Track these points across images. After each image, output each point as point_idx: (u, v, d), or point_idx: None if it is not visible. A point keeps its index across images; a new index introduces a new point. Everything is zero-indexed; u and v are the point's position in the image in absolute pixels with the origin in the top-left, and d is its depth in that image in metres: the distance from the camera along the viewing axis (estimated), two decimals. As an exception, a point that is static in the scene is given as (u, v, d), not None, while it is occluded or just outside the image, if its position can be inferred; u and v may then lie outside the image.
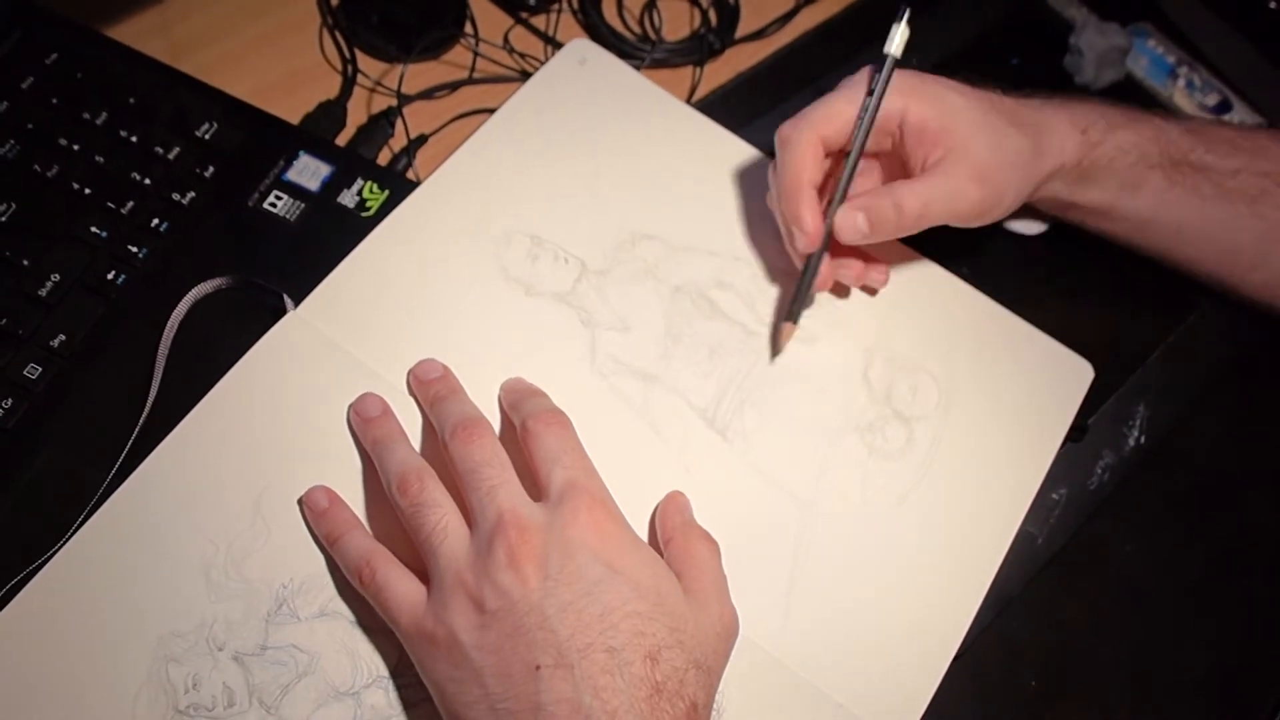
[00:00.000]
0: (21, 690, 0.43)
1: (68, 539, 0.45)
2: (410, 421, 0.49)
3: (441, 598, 0.41)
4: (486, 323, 0.52)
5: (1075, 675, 0.52)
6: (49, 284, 0.51)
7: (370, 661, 0.45)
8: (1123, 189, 0.55)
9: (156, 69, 0.58)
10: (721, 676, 0.43)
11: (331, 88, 0.61)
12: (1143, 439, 0.57)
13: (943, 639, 0.49)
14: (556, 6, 0.65)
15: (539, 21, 0.65)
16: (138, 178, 0.54)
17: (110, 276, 0.52)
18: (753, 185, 0.58)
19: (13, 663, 0.43)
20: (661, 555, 0.45)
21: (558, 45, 0.63)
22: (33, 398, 0.49)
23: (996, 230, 0.54)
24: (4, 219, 0.52)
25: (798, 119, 0.51)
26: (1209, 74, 0.67)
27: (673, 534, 0.46)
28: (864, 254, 0.55)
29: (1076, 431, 0.55)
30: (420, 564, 0.44)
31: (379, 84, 0.62)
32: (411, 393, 0.49)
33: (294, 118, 0.59)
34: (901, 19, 0.51)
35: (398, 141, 0.59)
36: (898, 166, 0.53)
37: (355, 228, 0.53)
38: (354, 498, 0.47)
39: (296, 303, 0.51)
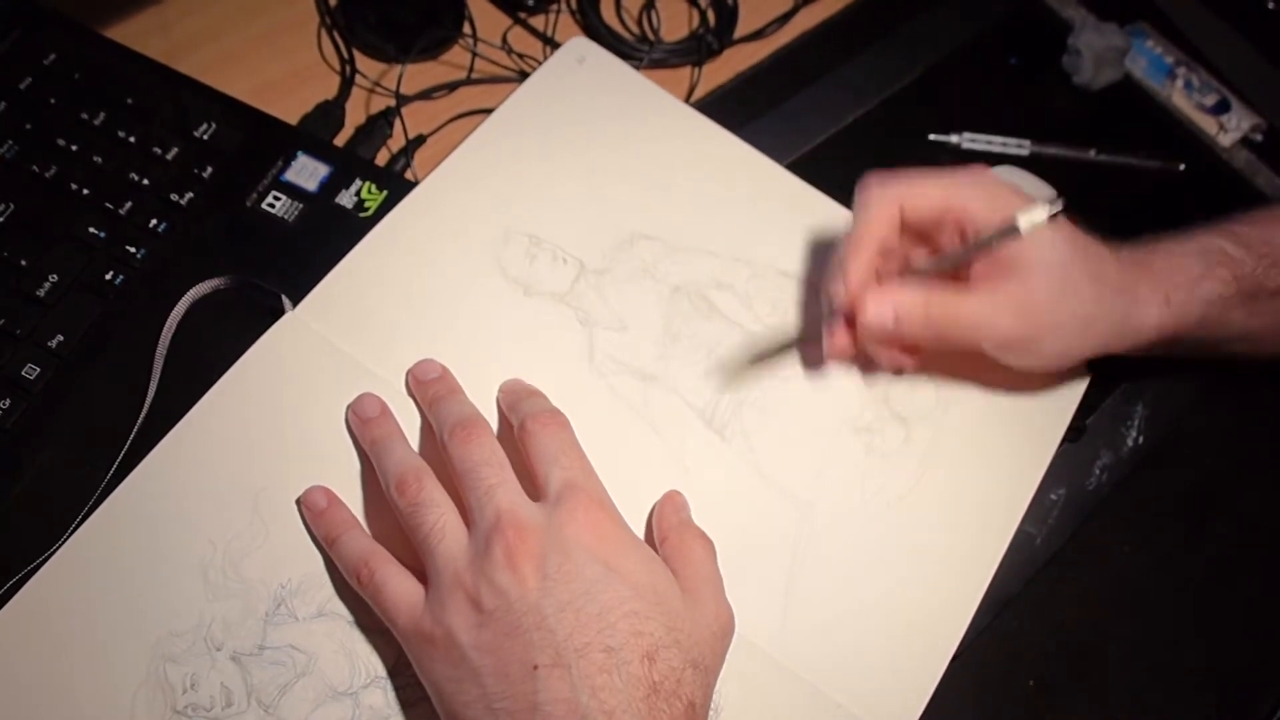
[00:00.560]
0: (20, 690, 0.43)
1: (66, 539, 0.45)
2: (408, 421, 0.49)
3: (439, 597, 0.41)
4: (485, 323, 0.52)
5: (1074, 675, 0.52)
6: (47, 284, 0.51)
7: (368, 661, 0.45)
8: (1205, 338, 0.52)
9: (155, 69, 0.58)
10: (718, 675, 0.43)
11: (330, 88, 0.61)
12: (1141, 439, 0.56)
13: (941, 638, 0.49)
14: (555, 7, 0.65)
15: (537, 22, 0.65)
16: (136, 178, 0.54)
17: (108, 277, 0.52)
18: (751, 185, 0.58)
19: (11, 662, 0.43)
20: (657, 554, 0.45)
21: (556, 45, 0.63)
22: (31, 398, 0.49)
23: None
24: (2, 219, 0.53)
25: (886, 180, 0.49)
26: (1207, 74, 0.67)
27: (668, 533, 0.46)
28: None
29: (1074, 431, 0.55)
30: (418, 564, 0.44)
31: (377, 84, 0.62)
32: (410, 393, 0.49)
33: (292, 118, 0.59)
34: (1053, 209, 0.46)
35: (396, 142, 0.59)
36: (958, 271, 0.51)
37: (353, 228, 0.53)
38: (352, 498, 0.47)
39: (295, 303, 0.51)
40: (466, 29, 0.63)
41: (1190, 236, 0.52)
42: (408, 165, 0.59)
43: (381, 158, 0.59)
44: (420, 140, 0.59)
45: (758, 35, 0.66)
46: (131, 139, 0.55)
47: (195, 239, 0.53)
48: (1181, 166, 0.64)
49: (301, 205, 0.54)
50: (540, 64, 0.61)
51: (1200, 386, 0.58)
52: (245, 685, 0.44)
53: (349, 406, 0.48)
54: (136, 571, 0.45)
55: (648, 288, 0.55)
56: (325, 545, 0.46)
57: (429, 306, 0.52)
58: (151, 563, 0.45)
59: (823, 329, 0.52)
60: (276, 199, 0.54)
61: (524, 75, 0.62)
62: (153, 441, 0.47)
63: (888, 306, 0.48)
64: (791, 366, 0.54)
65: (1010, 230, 0.46)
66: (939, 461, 0.53)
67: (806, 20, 0.68)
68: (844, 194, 0.54)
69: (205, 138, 0.56)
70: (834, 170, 0.58)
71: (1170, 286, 0.50)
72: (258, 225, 0.54)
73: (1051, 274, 0.48)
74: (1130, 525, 0.55)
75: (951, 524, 0.52)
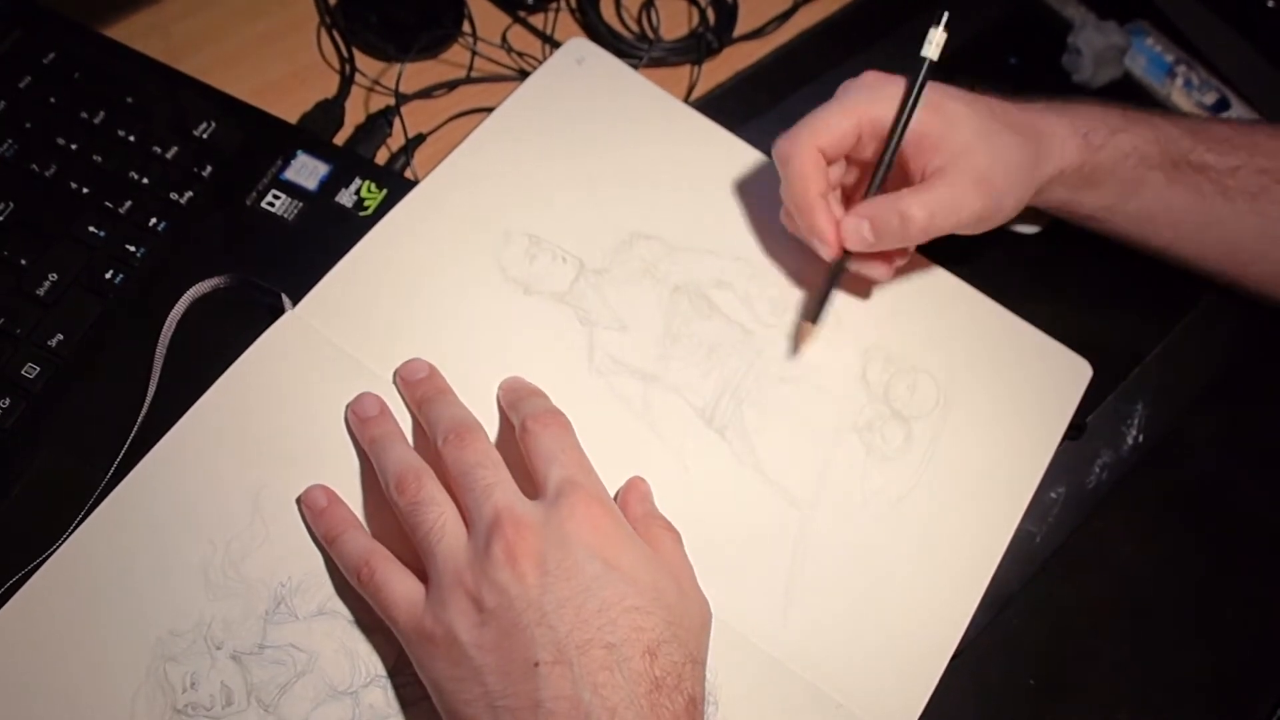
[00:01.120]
0: (20, 689, 0.43)
1: (66, 538, 0.45)
2: (407, 420, 0.49)
3: (440, 596, 0.41)
4: (484, 322, 0.52)
5: (1074, 674, 0.52)
6: (47, 283, 0.51)
7: (368, 660, 0.45)
8: (1123, 190, 0.55)
9: (155, 68, 0.58)
10: (706, 666, 0.43)
11: (329, 87, 0.61)
12: (1141, 438, 0.57)
13: (941, 638, 0.49)
14: (554, 5, 0.65)
15: (537, 20, 0.65)
16: (136, 177, 0.54)
17: (108, 276, 0.52)
18: (751, 184, 0.58)
19: (11, 662, 0.43)
20: None
21: (556, 44, 0.63)
22: (31, 397, 0.49)
23: (996, 230, 0.54)
24: (2, 219, 0.52)
25: (794, 134, 0.51)
26: (1207, 73, 0.67)
27: (634, 524, 0.45)
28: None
29: (1075, 430, 0.55)
30: (418, 563, 0.44)
31: (377, 83, 0.62)
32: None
33: (292, 117, 0.59)
34: (940, 23, 0.51)
35: (396, 141, 0.59)
36: (897, 173, 0.53)
37: (353, 227, 0.53)
38: (352, 497, 0.47)
39: (294, 302, 0.51)
40: (466, 28, 0.63)
41: (1117, 102, 0.56)
42: (407, 164, 0.59)
43: (381, 157, 0.59)
44: (420, 139, 0.59)
45: (757, 34, 0.67)
46: (131, 138, 0.55)
47: (195, 238, 0.53)
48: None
49: (301, 204, 0.54)
50: (540, 63, 0.61)
51: (1200, 386, 0.58)
52: (245, 684, 0.44)
53: (348, 406, 0.48)
54: (136, 571, 0.45)
55: (648, 287, 0.55)
56: (325, 544, 0.46)
57: (429, 305, 0.52)
58: (151, 562, 0.45)
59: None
60: (276, 198, 0.54)
61: (524, 74, 0.62)
62: (153, 441, 0.47)
63: (864, 223, 0.50)
64: (792, 366, 0.54)
65: (924, 66, 0.50)
66: (939, 461, 0.53)
67: (806, 19, 0.68)
68: (844, 193, 0.54)
69: (205, 137, 0.56)
70: (834, 169, 0.58)
71: (1089, 128, 0.53)
72: (257, 224, 0.54)
73: (981, 139, 0.50)
74: (1130, 525, 0.55)
75: (951, 523, 0.52)
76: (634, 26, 0.66)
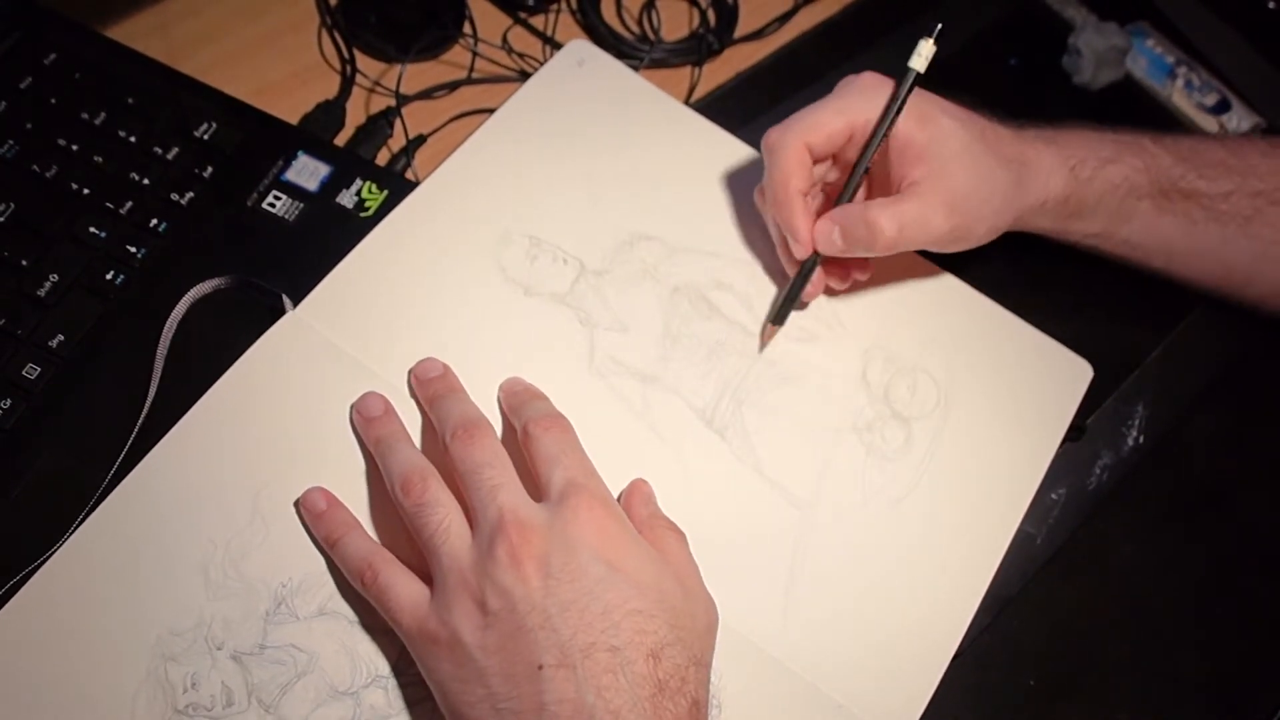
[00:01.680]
0: (20, 689, 0.43)
1: (66, 538, 0.45)
2: (410, 421, 0.49)
3: (444, 598, 0.41)
4: (485, 323, 0.52)
5: (1074, 675, 0.52)
6: (48, 284, 0.51)
7: (369, 661, 0.45)
8: (1112, 220, 0.55)
9: (155, 69, 0.58)
10: (711, 669, 0.43)
11: (330, 88, 0.61)
12: (1141, 439, 0.57)
13: (942, 638, 0.49)
14: (555, 6, 0.65)
15: (537, 21, 0.65)
16: (136, 178, 0.54)
17: (109, 276, 0.52)
18: (751, 186, 0.58)
19: (11, 661, 0.43)
20: None
21: (556, 45, 0.63)
22: (32, 398, 0.49)
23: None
24: (3, 219, 0.52)
25: (785, 127, 0.51)
26: (1208, 74, 0.67)
27: (639, 526, 0.45)
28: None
29: (1075, 431, 0.55)
30: (421, 563, 0.44)
31: (378, 84, 0.62)
32: (411, 392, 0.49)
33: (293, 118, 0.59)
34: (932, 35, 0.50)
35: (396, 142, 0.59)
36: (881, 180, 0.53)
37: (354, 228, 0.53)
38: (354, 497, 0.47)
39: (295, 303, 0.51)
40: (467, 29, 0.63)
41: (1110, 128, 0.55)
42: (408, 165, 0.59)
43: (382, 157, 0.59)
44: (421, 140, 0.59)
45: (758, 35, 0.67)
46: (132, 139, 0.55)
47: (196, 239, 0.53)
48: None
49: (302, 205, 0.54)
50: (540, 64, 0.61)
51: (1200, 386, 0.58)
52: (246, 684, 0.44)
53: (353, 405, 0.48)
54: (137, 570, 0.45)
55: (648, 288, 0.55)
56: (326, 547, 0.46)
57: (429, 306, 0.52)
58: (152, 562, 0.45)
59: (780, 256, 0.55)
60: (277, 199, 0.54)
61: (524, 75, 0.62)
62: (153, 441, 0.47)
63: (835, 228, 0.51)
64: (792, 367, 0.54)
65: (909, 77, 0.50)
66: (939, 461, 0.53)
67: (806, 20, 0.68)
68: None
69: (206, 137, 0.56)
70: (834, 170, 0.58)
71: (1077, 160, 0.53)
72: (258, 225, 0.54)
73: (962, 160, 0.50)
74: (1130, 525, 0.55)
75: (952, 524, 0.52)
76: (635, 28, 0.66)
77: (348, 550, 0.45)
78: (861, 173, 0.51)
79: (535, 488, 0.45)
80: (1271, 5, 0.70)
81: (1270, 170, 0.55)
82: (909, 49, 0.51)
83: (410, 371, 0.50)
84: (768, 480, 0.51)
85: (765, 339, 0.54)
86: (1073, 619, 0.53)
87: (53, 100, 0.56)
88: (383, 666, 0.45)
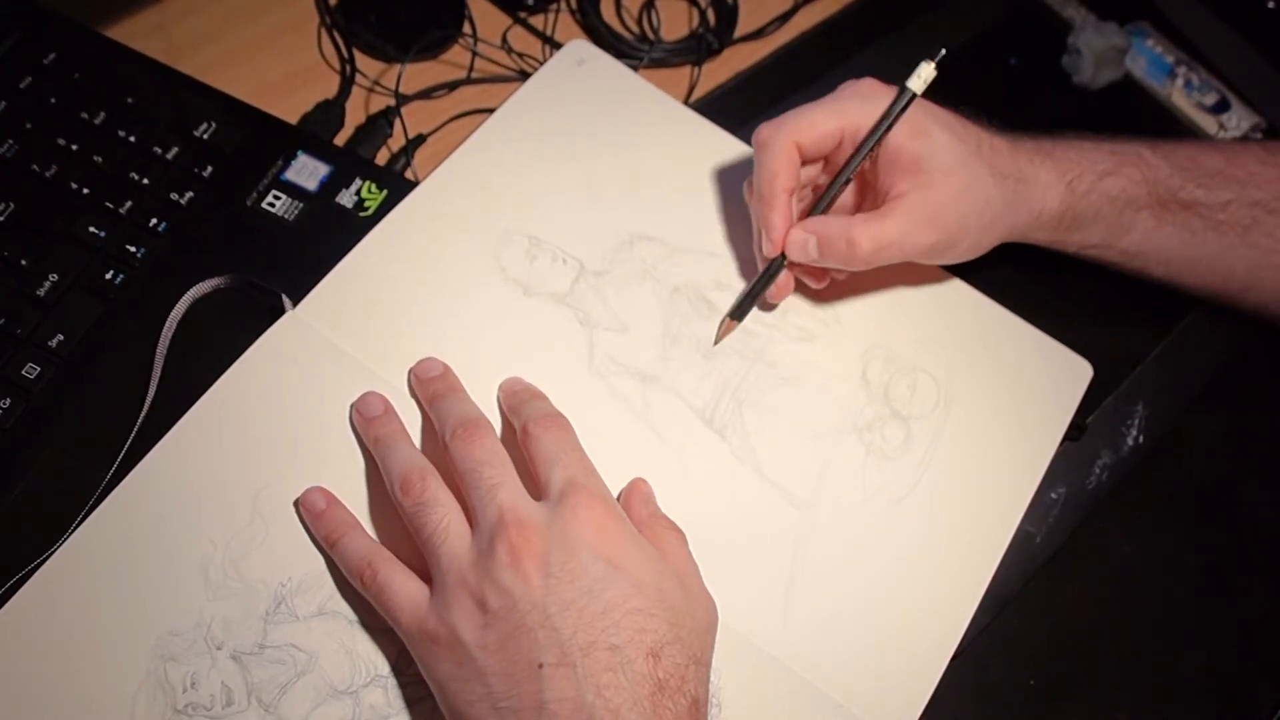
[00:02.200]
0: (20, 689, 0.43)
1: (66, 538, 0.45)
2: (409, 420, 0.49)
3: (444, 597, 0.41)
4: (484, 323, 0.52)
5: (1074, 675, 0.52)
6: (47, 284, 0.51)
7: (369, 660, 0.45)
8: (1110, 232, 0.55)
9: (155, 69, 0.58)
10: (711, 668, 0.43)
11: (330, 88, 0.61)
12: (1141, 438, 0.57)
13: (941, 638, 0.49)
14: (555, 6, 0.65)
15: (537, 21, 0.65)
16: (136, 177, 0.54)
17: (109, 276, 0.52)
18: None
19: (11, 661, 0.43)
20: None
21: (556, 45, 0.63)
22: (31, 398, 0.49)
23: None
24: (2, 219, 0.52)
25: (777, 124, 0.51)
26: (1207, 74, 0.67)
27: (639, 526, 0.45)
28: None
29: (1075, 431, 0.55)
30: (421, 563, 0.44)
31: (377, 84, 0.62)
32: (411, 392, 0.49)
33: (292, 117, 0.59)
34: (935, 59, 0.50)
35: (396, 141, 0.59)
36: (866, 184, 0.53)
37: (353, 227, 0.53)
38: (353, 497, 0.47)
39: (295, 302, 0.51)
40: (466, 28, 0.63)
41: (1108, 138, 0.55)
42: (408, 165, 0.59)
43: (381, 157, 0.59)
44: (420, 140, 0.59)
45: (758, 35, 0.67)
46: (132, 138, 0.55)
47: (195, 238, 0.53)
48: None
49: (302, 205, 0.54)
50: (540, 64, 0.61)
51: (1200, 386, 0.58)
52: (246, 684, 0.44)
53: (353, 405, 0.48)
54: (137, 570, 0.45)
55: (648, 288, 0.55)
56: (326, 547, 0.46)
57: (429, 306, 0.52)
58: (152, 562, 0.45)
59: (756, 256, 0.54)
60: (277, 198, 0.54)
61: (524, 75, 0.62)
62: (153, 441, 0.47)
63: (810, 238, 0.51)
64: (792, 367, 0.54)
65: (905, 98, 0.49)
66: (939, 461, 0.53)
67: (806, 20, 0.68)
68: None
69: (205, 137, 0.56)
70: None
71: (1074, 175, 0.53)
72: (258, 225, 0.54)
73: (954, 174, 0.50)
74: (1130, 525, 0.55)
75: (951, 523, 0.52)
76: (634, 27, 0.66)
77: (347, 549, 0.45)
78: (842, 183, 0.51)
79: (535, 487, 0.45)
80: (1271, 5, 0.70)
81: (1269, 179, 0.55)
82: (909, 49, 0.51)
83: (410, 371, 0.50)
84: (768, 480, 0.51)
85: (722, 333, 0.54)
86: (1073, 619, 0.53)
87: (52, 100, 0.56)
88: (382, 666, 0.45)
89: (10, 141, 0.54)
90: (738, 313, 0.53)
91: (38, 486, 0.47)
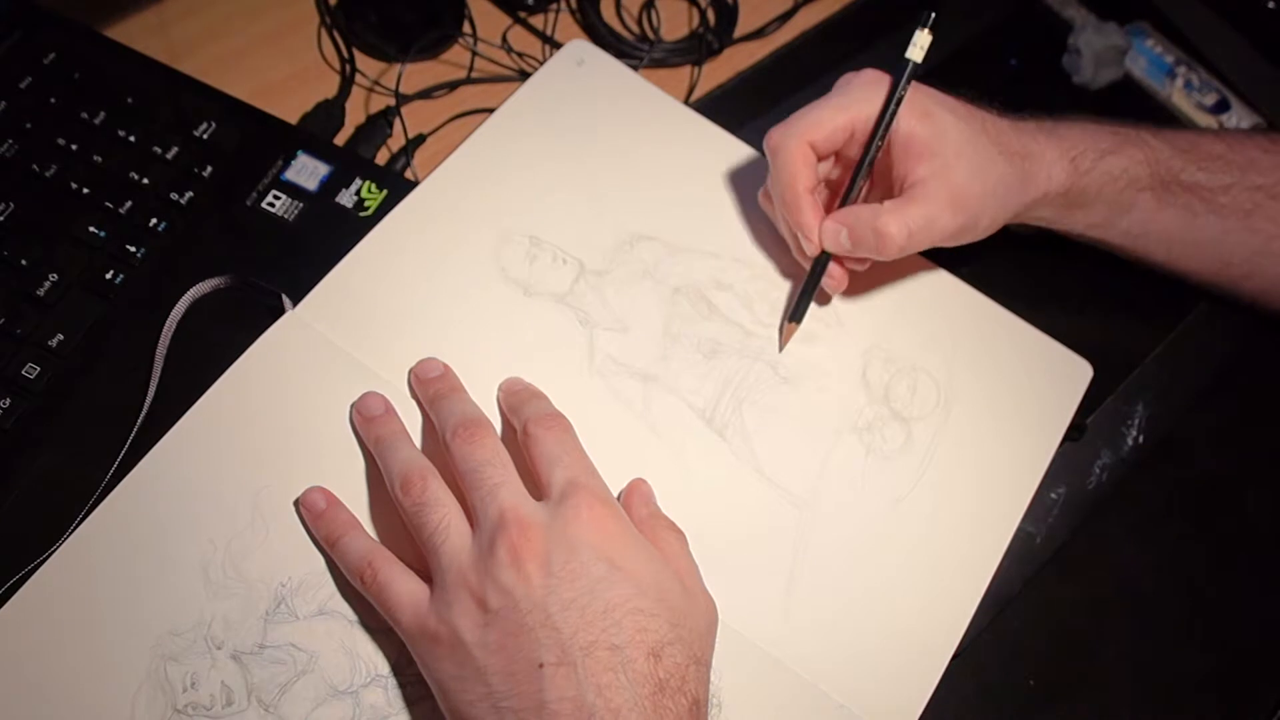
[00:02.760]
0: (20, 689, 0.43)
1: (66, 538, 0.45)
2: (410, 421, 0.49)
3: (444, 597, 0.41)
4: (485, 323, 0.52)
5: (1074, 675, 0.52)
6: (47, 284, 0.51)
7: (369, 660, 0.45)
8: (1112, 211, 0.55)
9: (155, 69, 0.58)
10: (711, 668, 0.43)
11: (330, 87, 0.61)
12: (1141, 438, 0.57)
13: (941, 638, 0.49)
14: (555, 6, 0.65)
15: (537, 21, 0.65)
16: (136, 177, 0.54)
17: (109, 276, 0.52)
18: (751, 186, 0.58)
19: (11, 661, 0.43)
20: None
21: (556, 45, 0.63)
22: (31, 398, 0.49)
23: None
24: (2, 219, 0.52)
25: (786, 127, 0.51)
26: (1207, 74, 0.67)
27: (639, 526, 0.45)
28: None
29: (1075, 431, 0.55)
30: (421, 563, 0.44)
31: (377, 84, 0.62)
32: (411, 392, 0.49)
33: (292, 117, 0.59)
34: (925, 24, 0.51)
35: (396, 141, 0.59)
36: (881, 173, 0.53)
37: (353, 227, 0.53)
38: (353, 497, 0.47)
39: (295, 302, 0.51)
40: (466, 28, 0.63)
41: (1110, 120, 0.55)
42: (408, 165, 0.59)
43: (381, 157, 0.59)
44: (420, 139, 0.59)
45: (758, 34, 0.67)
46: (132, 138, 0.55)
47: (195, 238, 0.53)
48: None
49: (301, 204, 0.54)
50: (540, 63, 0.61)
51: (1200, 386, 0.58)
52: (246, 684, 0.44)
53: (353, 405, 0.48)
54: (137, 570, 0.45)
55: (648, 289, 0.55)
56: (326, 547, 0.46)
57: (429, 306, 0.52)
58: (152, 561, 0.45)
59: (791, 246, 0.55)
60: (277, 198, 0.54)
61: (524, 75, 0.62)
62: (153, 441, 0.47)
63: (842, 230, 0.51)
64: (792, 367, 0.54)
65: (907, 69, 0.50)
66: (939, 461, 0.53)
67: (806, 19, 0.68)
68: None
69: (205, 137, 0.56)
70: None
71: (1077, 152, 0.53)
72: (258, 225, 0.54)
73: (965, 155, 0.50)
74: (1130, 525, 0.55)
75: (951, 523, 0.52)
76: (634, 27, 0.66)
77: (347, 549, 0.45)
78: (866, 169, 0.51)
79: (535, 487, 0.45)
80: (1271, 5, 0.70)
81: (1271, 165, 0.55)
82: (907, 47, 0.51)
83: (410, 371, 0.50)
84: (768, 480, 0.51)
85: (785, 338, 0.54)
86: (1073, 619, 0.53)
87: (52, 100, 0.56)
88: (382, 666, 0.45)
89: (10, 141, 0.54)
90: (796, 315, 0.54)
91: (38, 486, 0.47)
